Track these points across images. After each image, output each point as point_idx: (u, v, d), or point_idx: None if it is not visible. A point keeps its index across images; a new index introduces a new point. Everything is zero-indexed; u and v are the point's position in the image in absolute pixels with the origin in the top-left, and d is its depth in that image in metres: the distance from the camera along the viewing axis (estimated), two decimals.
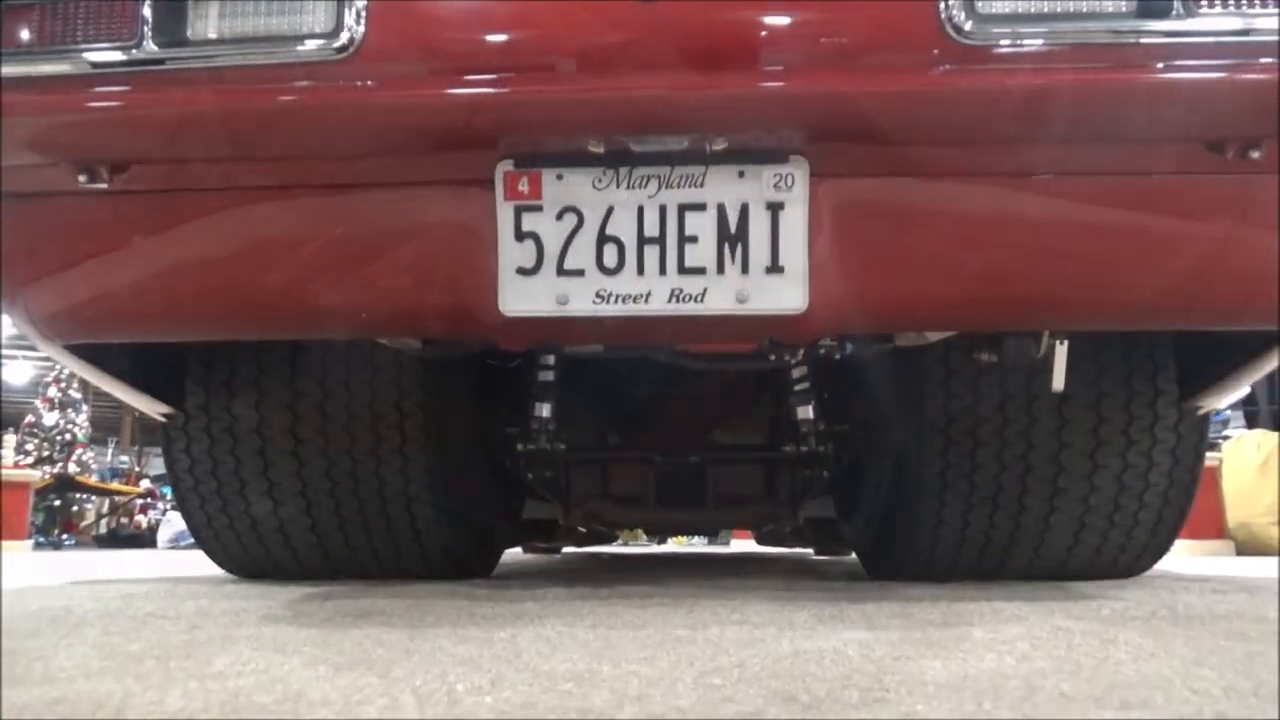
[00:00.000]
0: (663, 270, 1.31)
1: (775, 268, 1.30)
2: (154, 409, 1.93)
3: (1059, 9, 1.24)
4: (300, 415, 1.97)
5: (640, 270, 1.31)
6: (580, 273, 1.32)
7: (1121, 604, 1.39)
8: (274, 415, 1.97)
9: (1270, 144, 1.24)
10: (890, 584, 1.92)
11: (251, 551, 2.14)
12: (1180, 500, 2.00)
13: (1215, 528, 5.63)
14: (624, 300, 1.32)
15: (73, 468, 11.39)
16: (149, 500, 12.18)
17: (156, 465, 17.26)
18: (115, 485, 11.32)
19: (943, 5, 1.22)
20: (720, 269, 1.31)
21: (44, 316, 1.46)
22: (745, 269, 1.30)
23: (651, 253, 1.31)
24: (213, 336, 1.68)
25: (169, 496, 12.55)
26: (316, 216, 1.37)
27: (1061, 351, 1.58)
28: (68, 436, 11.76)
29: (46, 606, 1.46)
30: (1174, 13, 1.21)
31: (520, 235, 1.31)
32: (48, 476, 9.98)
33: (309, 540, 2.11)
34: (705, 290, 1.31)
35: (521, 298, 1.32)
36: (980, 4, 1.24)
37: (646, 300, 1.32)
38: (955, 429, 1.91)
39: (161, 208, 1.37)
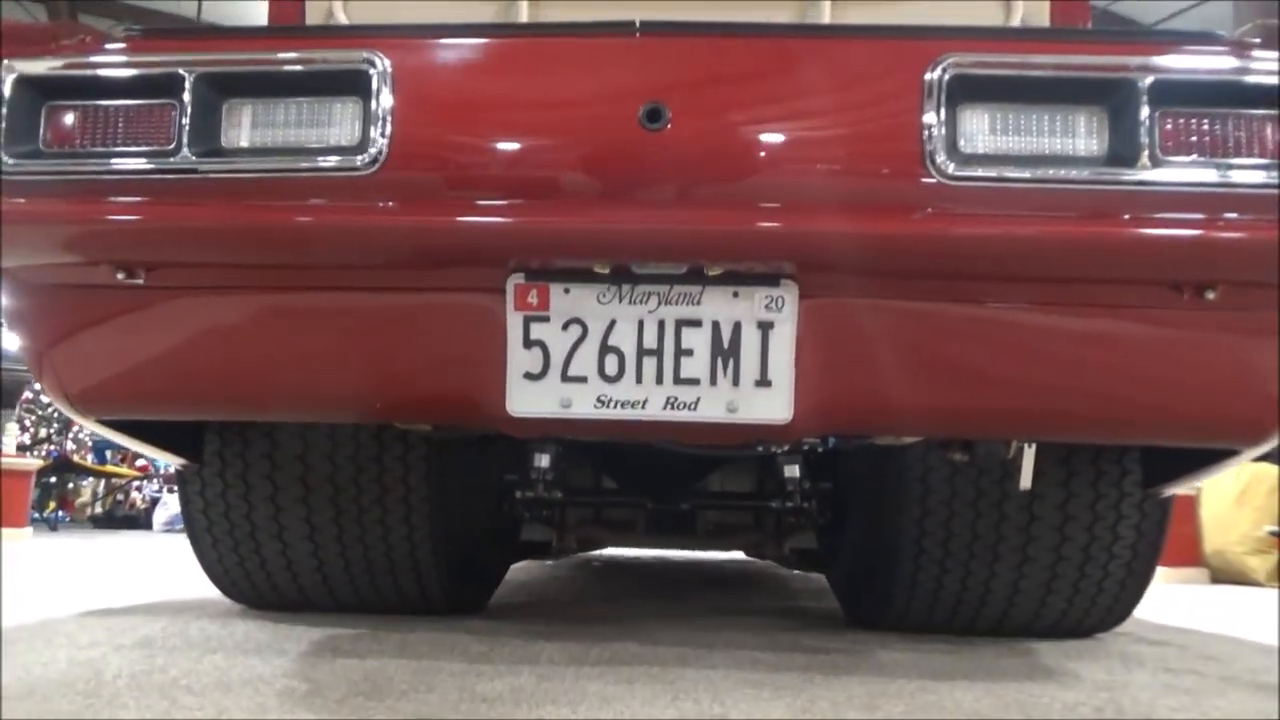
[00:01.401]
0: (659, 380, 1.41)
1: (764, 382, 1.40)
2: (175, 461, 2.03)
3: (1033, 153, 1.34)
4: (310, 464, 2.08)
5: (639, 379, 1.41)
6: (583, 379, 1.41)
7: (1072, 695, 1.50)
8: (285, 463, 2.07)
9: (1225, 287, 1.34)
10: (864, 643, 2.04)
11: (260, 588, 2.26)
12: (1143, 570, 2.12)
13: (1192, 555, 5.77)
14: (623, 406, 1.42)
15: (69, 445, 11.46)
16: (144, 479, 12.27)
17: None
18: (111, 468, 11.38)
19: (928, 145, 1.31)
20: (713, 381, 1.40)
21: (78, 394, 1.56)
22: (736, 382, 1.40)
23: (649, 363, 1.41)
24: (237, 417, 1.79)
25: (163, 471, 12.63)
26: (337, 314, 1.46)
27: (1029, 453, 1.69)
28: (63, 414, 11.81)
29: (75, 661, 1.56)
30: (1141, 163, 1.31)
31: (528, 343, 1.41)
32: (47, 459, 10.07)
33: (315, 579, 2.22)
34: (698, 400, 1.41)
35: (528, 400, 1.42)
36: (963, 143, 1.34)
37: (643, 406, 1.41)
38: (931, 499, 2.03)
39: (192, 301, 1.47)
